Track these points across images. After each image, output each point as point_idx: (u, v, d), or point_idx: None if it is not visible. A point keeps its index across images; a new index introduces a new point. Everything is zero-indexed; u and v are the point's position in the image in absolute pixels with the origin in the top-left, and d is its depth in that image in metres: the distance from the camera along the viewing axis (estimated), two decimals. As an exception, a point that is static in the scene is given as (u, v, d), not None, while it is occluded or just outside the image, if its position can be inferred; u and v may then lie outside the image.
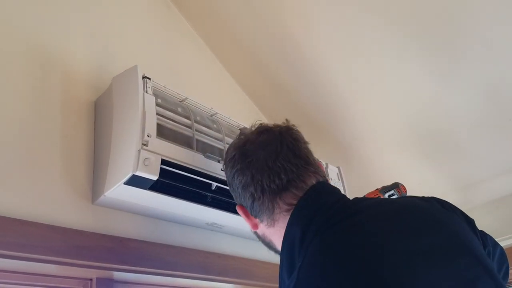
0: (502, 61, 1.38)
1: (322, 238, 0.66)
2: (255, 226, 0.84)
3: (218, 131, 1.21)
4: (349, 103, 1.65)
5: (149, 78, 1.07)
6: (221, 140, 1.19)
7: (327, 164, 1.58)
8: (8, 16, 1.03)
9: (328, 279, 0.60)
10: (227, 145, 1.20)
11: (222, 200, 1.16)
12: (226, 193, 1.16)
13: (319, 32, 1.49)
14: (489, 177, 1.78)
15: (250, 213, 0.83)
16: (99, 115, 1.12)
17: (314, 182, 0.78)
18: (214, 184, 1.11)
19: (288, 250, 0.71)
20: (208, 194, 1.12)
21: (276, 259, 1.45)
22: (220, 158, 1.14)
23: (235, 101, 1.70)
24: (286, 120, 0.86)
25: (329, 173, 1.56)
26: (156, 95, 1.07)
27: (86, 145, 1.08)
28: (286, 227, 0.74)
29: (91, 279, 1.01)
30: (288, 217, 0.74)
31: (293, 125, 0.85)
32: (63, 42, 1.14)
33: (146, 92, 1.03)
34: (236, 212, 1.19)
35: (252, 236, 1.38)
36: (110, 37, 1.28)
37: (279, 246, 0.77)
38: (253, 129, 0.87)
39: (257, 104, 1.78)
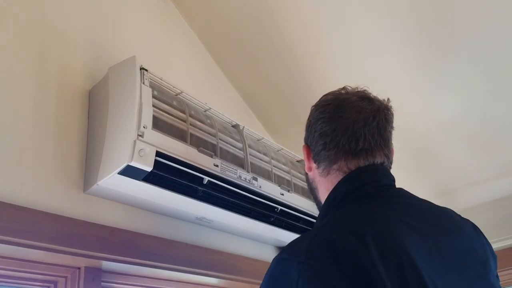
0: (490, 73, 1.43)
1: (357, 204, 0.76)
2: (309, 168, 0.90)
3: (212, 126, 1.21)
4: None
5: (146, 70, 1.07)
6: (214, 136, 1.20)
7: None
8: (4, 4, 1.02)
9: (350, 226, 0.67)
10: (220, 141, 1.21)
11: (212, 195, 1.17)
12: (217, 188, 1.17)
13: (314, 33, 1.50)
14: (469, 184, 1.83)
15: (312, 156, 0.89)
16: (94, 104, 1.12)
17: (379, 162, 0.83)
18: (206, 178, 1.12)
19: (328, 203, 0.82)
20: (200, 188, 1.12)
21: (261, 256, 1.47)
22: (213, 153, 1.15)
23: (225, 98, 1.71)
24: (388, 99, 0.89)
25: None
26: (152, 87, 1.08)
27: (79, 134, 1.08)
28: (337, 184, 0.82)
29: (79, 268, 1.00)
30: (340, 176, 0.82)
31: (391, 106, 0.89)
32: (59, 30, 1.13)
33: (143, 83, 1.04)
34: (226, 208, 1.22)
35: (239, 233, 1.41)
36: (105, 28, 1.27)
37: (320, 196, 0.88)
38: (357, 90, 0.90)
39: (248, 102, 1.79)
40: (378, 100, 0.87)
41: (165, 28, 1.53)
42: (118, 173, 0.96)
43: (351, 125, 0.83)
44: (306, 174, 0.94)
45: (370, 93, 0.90)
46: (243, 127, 1.35)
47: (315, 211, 1.48)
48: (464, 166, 1.72)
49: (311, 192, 0.95)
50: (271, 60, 1.63)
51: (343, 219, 0.71)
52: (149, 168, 0.97)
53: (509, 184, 1.72)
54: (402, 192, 0.81)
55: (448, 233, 0.74)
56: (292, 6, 1.45)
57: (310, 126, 0.90)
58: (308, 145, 0.91)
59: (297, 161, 1.57)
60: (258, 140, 1.43)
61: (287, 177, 1.43)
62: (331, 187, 0.83)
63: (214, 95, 1.64)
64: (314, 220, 1.48)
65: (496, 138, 1.58)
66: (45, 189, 0.96)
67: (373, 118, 0.83)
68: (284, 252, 0.67)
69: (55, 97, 1.05)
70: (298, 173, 1.51)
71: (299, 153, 1.57)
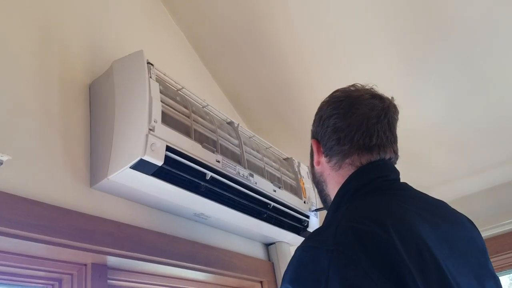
0: (468, 78, 1.52)
1: (370, 197, 0.80)
2: (318, 163, 0.93)
3: (211, 122, 1.22)
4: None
5: (152, 64, 1.07)
6: (214, 132, 1.21)
7: (299, 163, 1.65)
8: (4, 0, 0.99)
9: (370, 216, 0.69)
10: (220, 137, 1.22)
11: (213, 191, 1.17)
12: (218, 184, 1.18)
13: (300, 37, 1.55)
14: (441, 182, 1.93)
15: (323, 151, 0.91)
16: (96, 98, 1.10)
17: (388, 157, 0.87)
18: (209, 174, 1.13)
19: (340, 196, 0.85)
20: (202, 183, 1.13)
21: (253, 253, 1.49)
22: (215, 149, 1.16)
23: (212, 98, 1.71)
24: (392, 97, 0.92)
25: (301, 171, 1.63)
26: (157, 82, 1.07)
27: (82, 129, 1.05)
28: (348, 178, 0.85)
29: (85, 264, 0.98)
30: (352, 170, 0.86)
31: (397, 105, 0.93)
32: (58, 27, 1.10)
33: (151, 77, 1.03)
34: (224, 204, 1.23)
35: (233, 229, 1.42)
36: (96, 23, 1.25)
37: (329, 189, 0.91)
38: (366, 88, 0.92)
39: (233, 102, 1.81)
40: (387, 98, 0.92)
41: (153, 27, 1.52)
42: (130, 167, 0.95)
43: (365, 121, 0.86)
44: (313, 168, 0.96)
45: (377, 91, 0.94)
46: (238, 124, 1.37)
47: (302, 208, 1.53)
48: (439, 165, 1.82)
49: (316, 186, 0.97)
50: (258, 61, 1.65)
51: (361, 210, 0.74)
52: (160, 163, 0.97)
53: (479, 181, 1.85)
54: (407, 186, 0.86)
55: (451, 224, 0.79)
56: (279, 9, 1.48)
57: (322, 121, 0.92)
58: (318, 140, 0.93)
59: (284, 159, 1.61)
60: (250, 137, 1.45)
61: (278, 174, 1.46)
62: (342, 181, 0.86)
63: (200, 95, 1.64)
64: (302, 217, 1.52)
65: (471, 139, 1.69)
66: (51, 183, 0.93)
67: (384, 115, 0.88)
68: (310, 240, 0.69)
69: (58, 92, 1.03)
70: (286, 170, 1.54)
71: (285, 152, 1.61)
